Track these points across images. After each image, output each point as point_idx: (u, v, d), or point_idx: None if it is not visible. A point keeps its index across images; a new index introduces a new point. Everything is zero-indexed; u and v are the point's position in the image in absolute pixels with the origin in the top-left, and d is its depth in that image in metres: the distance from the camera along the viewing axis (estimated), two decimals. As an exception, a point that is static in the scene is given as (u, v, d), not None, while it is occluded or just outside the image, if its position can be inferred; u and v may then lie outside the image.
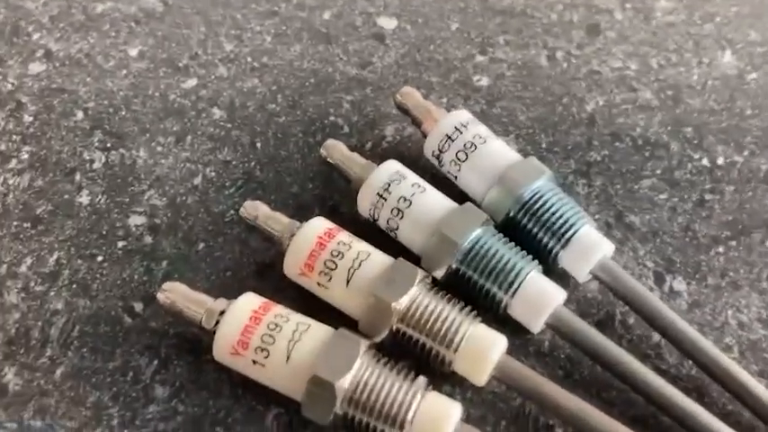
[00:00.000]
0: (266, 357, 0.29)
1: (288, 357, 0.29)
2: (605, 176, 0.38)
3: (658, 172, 0.39)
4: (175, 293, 0.31)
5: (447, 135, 0.36)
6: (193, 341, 0.33)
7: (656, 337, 0.33)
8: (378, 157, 0.37)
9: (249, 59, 0.44)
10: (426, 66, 0.43)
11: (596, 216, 0.37)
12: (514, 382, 0.30)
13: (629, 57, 0.44)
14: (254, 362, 0.30)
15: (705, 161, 0.39)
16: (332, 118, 0.41)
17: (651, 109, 0.41)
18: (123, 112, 0.41)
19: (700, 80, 0.43)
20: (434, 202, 0.34)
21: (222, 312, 0.31)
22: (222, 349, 0.30)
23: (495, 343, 0.30)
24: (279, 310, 0.31)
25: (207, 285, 0.35)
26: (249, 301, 0.31)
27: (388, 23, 0.46)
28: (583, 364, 0.32)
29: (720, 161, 0.39)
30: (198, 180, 0.39)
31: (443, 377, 0.32)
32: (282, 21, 0.46)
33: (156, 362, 0.33)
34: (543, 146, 0.40)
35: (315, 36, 0.45)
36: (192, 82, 0.43)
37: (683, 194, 0.38)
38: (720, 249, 0.36)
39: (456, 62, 0.44)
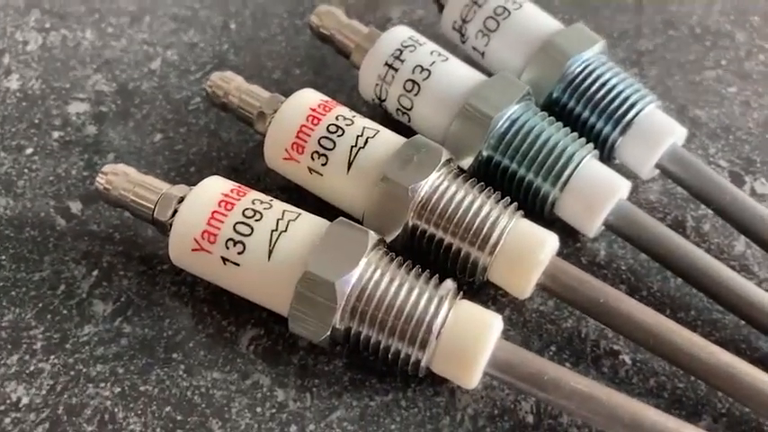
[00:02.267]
0: (241, 253, 0.22)
1: (270, 252, 0.22)
2: (661, 66, 0.31)
3: (723, 63, 0.32)
4: (119, 177, 0.24)
5: (473, 0, 0.28)
6: (146, 247, 0.25)
7: (740, 245, 0.26)
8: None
9: (223, -65, 0.36)
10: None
11: (654, 109, 0.30)
12: (570, 291, 0.23)
13: (678, -59, 0.37)
14: (225, 260, 0.22)
15: (778, 52, 0.32)
16: (324, -2, 0.34)
17: (708, -3, 0.34)
18: (67, -10, 0.34)
19: (763, -32, 0.36)
20: (460, 72, 0.26)
21: (182, 200, 0.23)
22: (181, 245, 0.22)
23: (545, 241, 0.23)
24: (258, 195, 0.23)
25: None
26: (217, 184, 0.23)
27: None
28: (651, 277, 0.25)
29: (797, 52, 0.32)
30: (156, 64, 0.31)
31: (472, 292, 0.24)
32: None
33: (95, 272, 0.25)
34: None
35: None
36: (153, -42, 0.35)
37: (757, 88, 0.31)
38: (808, 148, 0.29)
39: (473, -56, 0.36)
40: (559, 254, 0.25)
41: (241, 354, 0.23)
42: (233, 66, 0.31)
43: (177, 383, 0.23)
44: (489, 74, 0.28)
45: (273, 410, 0.22)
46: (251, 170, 0.27)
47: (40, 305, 0.24)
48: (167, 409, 0.22)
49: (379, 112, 0.28)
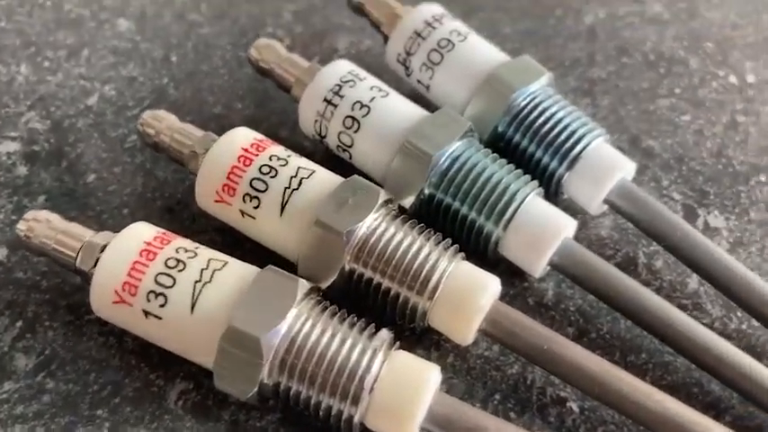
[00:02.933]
0: (162, 306, 0.21)
1: (193, 305, 0.20)
2: (613, 95, 0.31)
3: (677, 91, 0.31)
4: (41, 224, 0.22)
5: (416, 32, 0.28)
6: (74, 295, 0.24)
7: (694, 282, 0.25)
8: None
9: (169, -36, 0.35)
10: (390, -27, 0.35)
11: (605, 140, 0.29)
12: (512, 338, 0.22)
13: (632, -33, 0.36)
14: (146, 313, 0.21)
15: (733, 79, 0.32)
16: (269, 29, 0.33)
17: (662, 22, 0.34)
18: (3, 23, 0.33)
19: (717, -8, 0.35)
20: (401, 108, 0.26)
21: (105, 248, 0.22)
22: (102, 297, 0.21)
23: (486, 285, 0.22)
24: (183, 242, 0.22)
25: (96, 227, 0.26)
26: (141, 231, 0.22)
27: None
28: (600, 318, 0.24)
29: (751, 79, 0.32)
30: (92, 100, 0.30)
31: (415, 338, 0.23)
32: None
33: (19, 323, 0.24)
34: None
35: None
36: (95, -11, 0.34)
37: (710, 116, 0.30)
38: (762, 179, 0.28)
39: (426, -30, 0.36)
40: (506, 294, 0.24)
41: (169, 409, 0.22)
42: (172, 100, 0.30)
43: (101, 441, 0.21)
44: (434, 108, 0.27)
45: (201, 470, 0.21)
46: (186, 210, 0.26)
47: (-44, 360, 0.23)
48: (89, 470, 0.21)
49: (321, 148, 0.27)
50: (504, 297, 0.24)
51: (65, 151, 0.28)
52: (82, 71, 0.31)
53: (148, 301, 0.21)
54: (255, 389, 0.20)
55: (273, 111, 0.30)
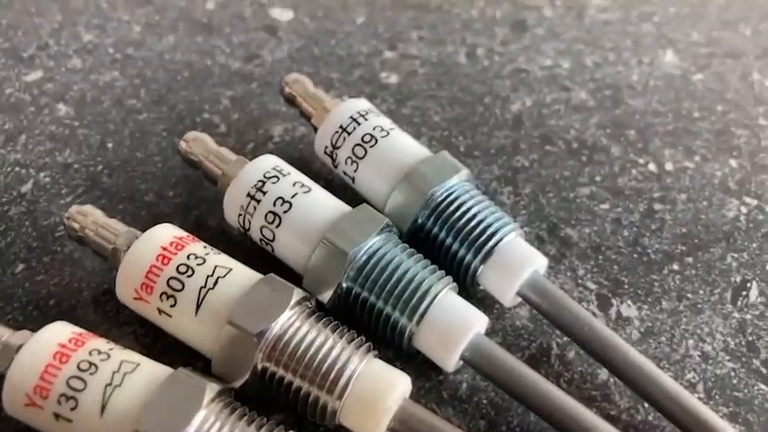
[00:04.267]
0: (73, 409, 0.21)
1: (103, 408, 0.21)
2: (535, 183, 0.32)
3: (598, 179, 0.32)
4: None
5: (342, 127, 0.29)
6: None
7: (604, 374, 0.26)
8: (261, 161, 0.29)
9: (111, 50, 0.36)
10: (326, 60, 0.37)
11: (526, 229, 0.30)
12: (420, 437, 0.22)
13: (560, 54, 0.38)
14: (57, 416, 0.21)
15: (652, 167, 0.33)
16: (206, 115, 0.34)
17: (587, 110, 0.35)
18: (-60, 108, 0.33)
19: (641, 80, 0.37)
20: (321, 203, 0.26)
21: (20, 349, 0.22)
22: (14, 399, 0.22)
23: (394, 384, 0.23)
24: (98, 344, 0.22)
25: (21, 319, 0.26)
26: (56, 333, 0.22)
27: (282, 15, 0.39)
28: (511, 411, 0.25)
29: (669, 167, 0.33)
30: (27, 187, 0.31)
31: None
32: (157, 10, 0.39)
33: (-67, 419, 0.24)
34: (461, 149, 0.33)
35: (194, 27, 0.38)
36: (36, 74, 0.35)
37: (629, 204, 0.31)
38: (675, 267, 0.29)
39: (361, 57, 0.37)
40: (421, 387, 0.25)
41: None
42: (105, 188, 0.31)
43: None
44: (360, 198, 0.28)
45: None
46: (112, 301, 0.26)
47: None
48: None
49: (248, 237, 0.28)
50: (419, 390, 0.25)
51: (-6, 241, 0.29)
52: (18, 157, 0.32)
53: (59, 404, 0.21)
54: (161, 496, 0.20)
55: (204, 199, 0.30)
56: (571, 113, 0.35)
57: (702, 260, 0.30)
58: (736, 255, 0.30)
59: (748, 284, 0.29)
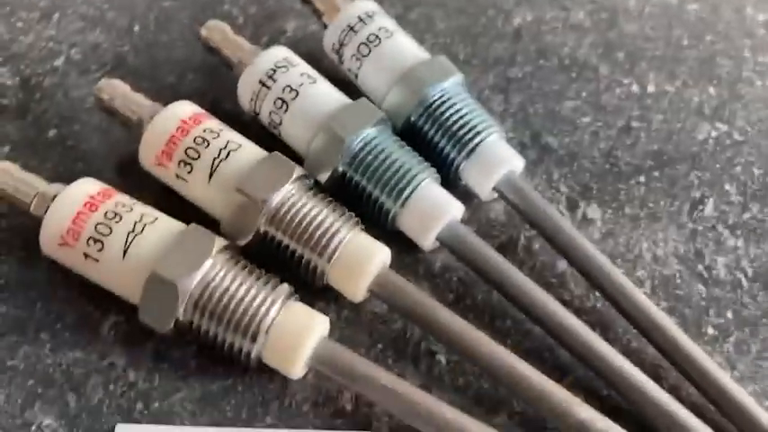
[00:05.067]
0: (100, 251, 0.25)
1: (125, 252, 0.24)
2: (525, 94, 0.35)
3: (584, 94, 0.35)
4: (2, 172, 0.26)
5: (349, 26, 0.31)
6: (27, 234, 0.28)
7: (563, 265, 0.29)
8: (274, 53, 0.32)
9: (140, -61, 0.38)
10: (341, -36, 0.39)
11: (511, 135, 0.33)
12: (394, 299, 0.26)
13: (564, -26, 0.40)
14: (86, 255, 0.25)
15: (635, 87, 0.35)
16: (226, 6, 0.36)
17: (583, 29, 0.38)
18: (-19, -16, 0.36)
19: (637, 6, 0.39)
20: (325, 94, 0.29)
21: (55, 198, 0.26)
22: (50, 240, 0.25)
23: (375, 253, 0.26)
24: (122, 198, 0.26)
25: (54, 177, 0.30)
26: (86, 186, 0.26)
27: None
28: (477, 289, 0.28)
29: (651, 89, 0.36)
30: (60, 61, 0.33)
31: (318, 293, 0.27)
32: None
33: (-22, 252, 0.28)
34: (461, 57, 0.36)
35: None
36: (69, -43, 0.37)
37: (608, 119, 0.34)
38: (642, 179, 0.32)
39: (375, -38, 0.39)
40: (401, 262, 0.29)
41: (102, 337, 0.26)
42: (131, 68, 0.33)
43: (42, 360, 0.26)
44: (361, 94, 0.31)
45: (124, 389, 0.25)
46: (134, 168, 0.30)
47: None
48: (30, 382, 0.25)
49: (257, 121, 0.31)
50: (399, 264, 0.29)
51: (30, 107, 0.32)
52: (52, 33, 0.34)
53: (88, 245, 0.25)
54: (171, 325, 0.24)
55: (220, 84, 0.33)
56: (567, 32, 0.37)
57: (668, 175, 0.32)
58: (699, 173, 0.33)
59: (705, 200, 0.32)
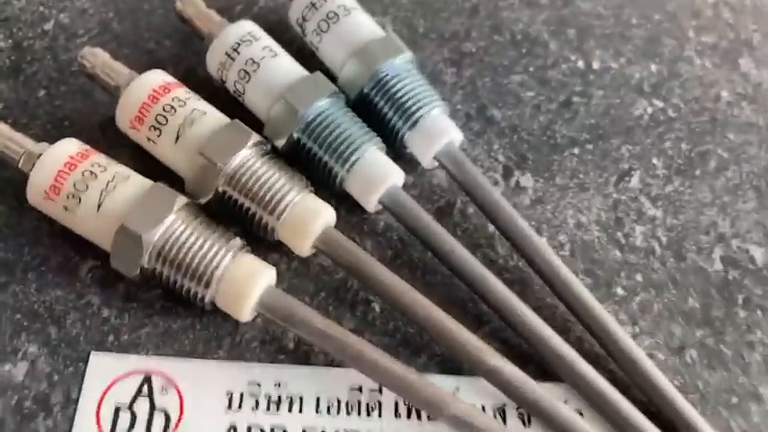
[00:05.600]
0: (77, 205, 0.28)
1: (99, 206, 0.28)
2: (476, 68, 0.37)
3: (531, 69, 0.38)
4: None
5: (311, 2, 0.34)
6: (17, 186, 0.31)
7: (491, 228, 0.33)
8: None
9: None
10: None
11: (458, 106, 0.36)
12: (336, 254, 0.30)
13: (525, -48, 0.42)
14: (66, 208, 0.28)
15: (580, 64, 0.38)
16: (204, -23, 0.39)
17: (538, 7, 0.40)
18: (-20, -54, 0.39)
19: (593, -17, 0.41)
20: (284, 67, 0.32)
21: (40, 156, 0.29)
22: (35, 193, 0.29)
23: (320, 213, 0.30)
24: (98, 158, 0.29)
25: (42, 134, 0.33)
26: (67, 147, 0.29)
27: None
28: (413, 248, 0.32)
29: (596, 65, 0.38)
30: (49, 25, 0.37)
31: (273, 246, 0.31)
32: None
33: (-29, 201, 0.31)
34: (420, 30, 0.38)
35: None
36: None
37: (551, 94, 0.37)
38: (576, 151, 0.35)
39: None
40: (348, 221, 0.32)
41: (80, 278, 0.30)
42: (114, 33, 0.36)
43: (28, 297, 0.30)
44: (321, 66, 0.34)
45: (98, 323, 0.29)
46: (114, 128, 0.33)
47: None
48: (18, 316, 0.29)
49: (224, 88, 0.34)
50: (347, 223, 0.32)
51: (22, 68, 0.35)
52: (42, -2, 0.37)
53: (67, 200, 0.28)
54: (137, 271, 0.28)
55: (195, 51, 0.36)
56: (523, 8, 0.40)
57: (600, 148, 0.36)
58: (630, 147, 0.36)
59: (632, 172, 0.35)
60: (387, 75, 0.33)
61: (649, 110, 0.37)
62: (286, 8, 0.38)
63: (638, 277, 0.32)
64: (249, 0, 0.38)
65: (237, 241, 0.29)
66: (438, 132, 0.32)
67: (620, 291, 0.32)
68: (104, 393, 0.27)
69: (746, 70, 0.39)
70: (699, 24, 0.41)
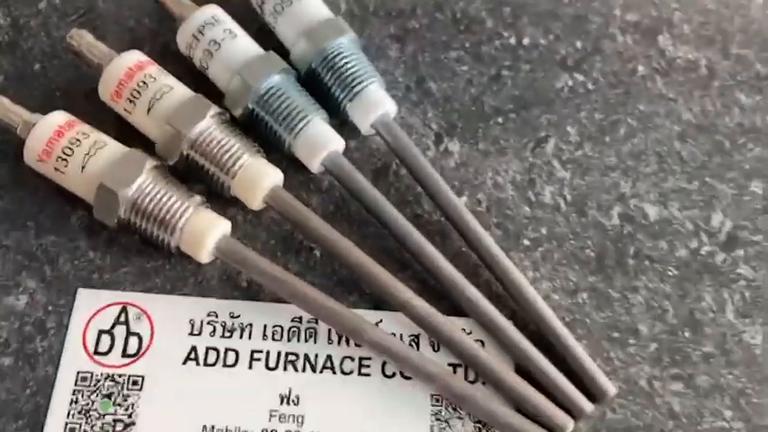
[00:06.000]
0: (65, 167, 0.34)
1: (83, 168, 0.34)
2: (418, 44, 0.42)
3: (467, 45, 0.43)
4: (-1, 105, 0.36)
5: (268, -14, 0.39)
6: (18, 149, 0.37)
7: (418, 188, 0.38)
8: (215, 1, 0.40)
9: None
10: None
11: (400, 79, 0.41)
12: (282, 209, 0.36)
13: (470, -67, 0.46)
14: (56, 169, 0.34)
15: (512, 40, 0.43)
16: (179, -41, 0.44)
17: (480, -14, 0.45)
18: (-17, -70, 0.43)
19: (531, -36, 0.46)
20: (241, 47, 0.38)
21: (34, 125, 0.35)
22: (30, 156, 0.35)
23: (268, 174, 0.35)
24: (83, 128, 0.35)
25: (38, 103, 0.39)
26: (56, 118, 0.35)
27: None
28: (351, 204, 0.37)
29: (526, 41, 0.43)
30: (43, 5, 0.42)
31: (232, 202, 0.37)
32: None
33: (-26, 160, 0.37)
34: (371, 9, 0.43)
35: None
36: None
37: (483, 68, 0.42)
38: (500, 120, 0.41)
39: None
40: (297, 180, 0.38)
41: (71, 225, 0.36)
42: (100, 12, 0.42)
43: (28, 241, 0.36)
44: (276, 43, 0.39)
45: (85, 263, 0.35)
46: (98, 98, 0.39)
47: (-57, 181, 0.37)
48: (19, 257, 0.35)
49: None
50: (297, 181, 0.38)
51: (20, 44, 0.40)
52: (37, -21, 0.42)
53: (57, 162, 0.34)
54: (115, 221, 0.34)
55: (170, 29, 0.41)
56: (466, -12, 0.45)
57: (522, 117, 0.41)
58: (549, 116, 0.41)
59: (548, 139, 0.40)
60: (332, 52, 0.38)
61: (570, 83, 0.42)
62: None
63: (543, 230, 0.38)
64: (219, -19, 0.43)
65: (197, 198, 0.34)
66: (374, 104, 0.38)
67: (526, 242, 0.37)
68: (89, 321, 0.34)
69: (664, 46, 0.44)
70: (625, 3, 0.45)
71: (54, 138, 0.34)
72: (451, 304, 0.35)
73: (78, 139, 0.34)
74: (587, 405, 0.33)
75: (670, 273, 0.37)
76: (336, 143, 0.37)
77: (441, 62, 0.42)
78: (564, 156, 0.40)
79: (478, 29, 0.43)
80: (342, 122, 0.38)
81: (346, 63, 0.38)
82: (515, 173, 0.39)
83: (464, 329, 0.34)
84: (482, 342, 0.35)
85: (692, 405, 0.34)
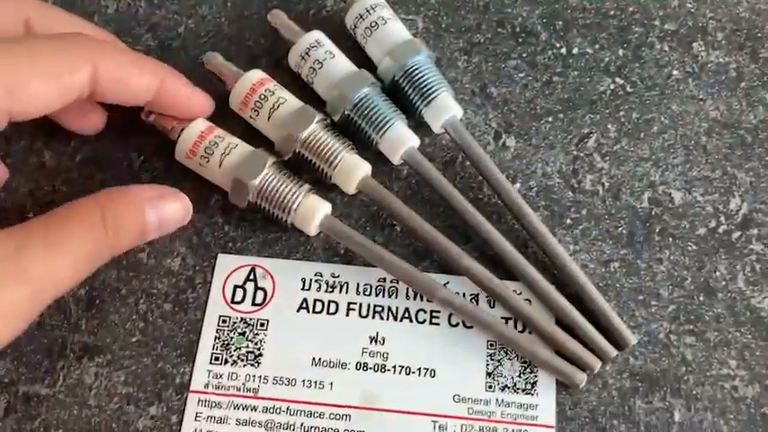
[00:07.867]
0: (207, 162, 0.45)
1: (221, 164, 0.45)
2: (482, 55, 0.51)
3: (524, 55, 0.51)
4: (154, 115, 0.47)
5: (359, 14, 0.48)
6: (170, 146, 0.48)
7: (480, 177, 0.47)
8: (318, 22, 0.50)
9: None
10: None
11: (467, 85, 0.50)
12: (371, 194, 0.45)
13: (530, -47, 0.54)
14: (200, 164, 0.45)
15: (563, 50, 0.51)
16: (287, -15, 0.53)
17: (536, 3, 0.53)
18: (133, -31, 0.54)
19: (583, -18, 0.53)
20: (339, 66, 0.47)
21: (183, 129, 0.46)
22: (180, 154, 0.46)
23: (360, 166, 0.45)
24: (219, 132, 0.46)
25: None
26: (199, 125, 0.46)
27: None
28: (424, 189, 0.47)
29: (575, 51, 0.51)
30: (182, 29, 0.52)
31: (331, 188, 0.47)
32: None
33: (141, 157, 0.49)
34: (443, 26, 0.52)
35: None
36: (186, -53, 0.55)
37: (537, 75, 0.50)
38: (550, 119, 0.49)
39: (394, -52, 0.55)
40: (382, 169, 0.47)
41: (210, 206, 0.47)
42: (226, 33, 0.52)
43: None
44: (367, 59, 0.49)
45: (222, 235, 0.46)
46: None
47: (112, 172, 0.48)
48: (174, 230, 0.46)
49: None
50: (382, 170, 0.47)
51: (166, 62, 0.51)
52: (176, 8, 0.53)
53: (201, 158, 0.45)
54: (245, 204, 0.44)
55: (284, 47, 0.51)
56: (524, 5, 0.52)
57: (569, 117, 0.49)
58: (592, 116, 0.49)
59: (591, 135, 0.48)
60: (411, 67, 0.47)
61: (612, 87, 0.50)
62: (346, 11, 0.52)
63: (583, 212, 0.46)
64: (319, 6, 0.53)
65: (306, 186, 0.45)
66: (444, 109, 0.47)
67: (568, 221, 0.46)
68: (227, 278, 0.45)
69: (697, 52, 0.51)
70: (665, 13, 0.52)
71: (198, 140, 0.45)
72: (505, 270, 0.44)
73: (217, 142, 0.45)
74: (612, 350, 0.42)
75: (690, 248, 0.45)
76: (413, 140, 0.46)
77: (501, 70, 0.50)
78: (603, 149, 0.48)
79: (534, 41, 0.51)
80: (418, 124, 0.48)
81: (422, 76, 0.47)
82: (561, 164, 0.48)
83: (515, 290, 0.43)
84: (529, 300, 0.44)
85: (702, 355, 0.42)
